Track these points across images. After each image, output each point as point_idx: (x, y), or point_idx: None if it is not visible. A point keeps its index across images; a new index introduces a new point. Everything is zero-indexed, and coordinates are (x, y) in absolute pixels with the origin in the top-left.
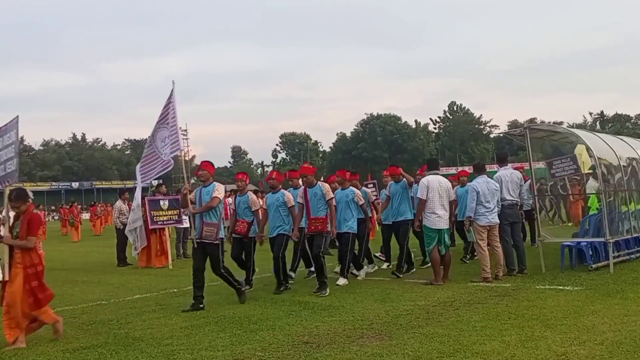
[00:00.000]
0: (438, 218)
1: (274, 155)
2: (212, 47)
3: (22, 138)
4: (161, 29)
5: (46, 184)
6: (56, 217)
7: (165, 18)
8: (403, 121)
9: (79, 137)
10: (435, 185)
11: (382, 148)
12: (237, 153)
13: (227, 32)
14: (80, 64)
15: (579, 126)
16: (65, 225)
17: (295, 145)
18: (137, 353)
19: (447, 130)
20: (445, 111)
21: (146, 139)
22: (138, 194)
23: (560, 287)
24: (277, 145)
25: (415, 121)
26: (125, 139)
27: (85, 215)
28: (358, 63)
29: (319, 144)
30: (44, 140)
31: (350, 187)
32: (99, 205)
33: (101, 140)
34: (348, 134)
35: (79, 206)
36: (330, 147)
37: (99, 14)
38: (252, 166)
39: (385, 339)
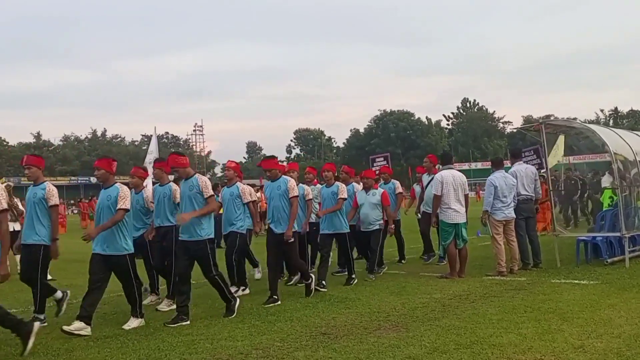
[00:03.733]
0: (455, 212)
1: (289, 151)
2: (227, 44)
3: (39, 133)
4: (177, 26)
5: (65, 178)
6: (75, 211)
7: (181, 16)
8: (416, 117)
9: (99, 133)
10: (449, 180)
11: (395, 144)
12: (252, 149)
13: (242, 30)
14: (98, 62)
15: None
16: (84, 218)
17: (310, 141)
18: (158, 342)
19: (460, 127)
20: (458, 107)
21: (163, 135)
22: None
23: (576, 281)
24: (291, 141)
25: (427, 117)
26: (143, 135)
27: None
28: (371, 60)
29: (332, 140)
30: (65, 135)
31: (353, 184)
32: None
33: (120, 136)
34: (361, 130)
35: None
36: (344, 143)
37: (115, 12)
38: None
39: (402, 330)
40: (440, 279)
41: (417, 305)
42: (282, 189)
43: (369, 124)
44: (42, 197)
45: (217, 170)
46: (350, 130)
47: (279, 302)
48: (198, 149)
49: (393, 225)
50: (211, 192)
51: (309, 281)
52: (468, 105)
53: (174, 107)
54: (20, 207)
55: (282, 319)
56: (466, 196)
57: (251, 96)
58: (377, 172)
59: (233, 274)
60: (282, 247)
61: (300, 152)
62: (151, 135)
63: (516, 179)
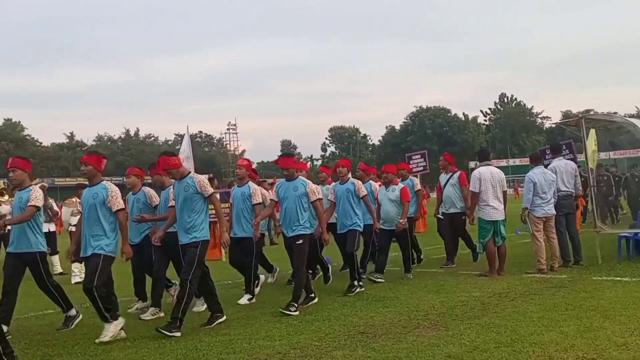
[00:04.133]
0: (493, 210)
1: (323, 149)
2: (262, 41)
3: (72, 133)
4: (210, 24)
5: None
6: None
7: (213, 13)
8: (452, 114)
9: (132, 132)
10: (487, 177)
11: (431, 141)
12: (287, 147)
13: (276, 27)
14: (130, 61)
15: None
16: None
17: (345, 138)
18: (195, 342)
19: (497, 122)
20: (495, 103)
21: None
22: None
23: (618, 279)
24: (326, 139)
25: (463, 113)
26: (176, 134)
27: None
28: (405, 56)
29: (368, 138)
30: (98, 135)
31: (370, 181)
32: None
33: (153, 136)
34: (397, 127)
35: None
36: (379, 141)
37: (148, 11)
38: (301, 160)
39: (441, 329)
40: (479, 277)
41: (456, 303)
42: (300, 191)
43: (405, 120)
44: (27, 200)
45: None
46: (386, 127)
47: (316, 299)
48: (232, 148)
49: (405, 221)
50: (211, 190)
51: (304, 298)
52: (505, 100)
53: (207, 106)
54: (55, 207)
55: (319, 318)
56: (504, 193)
57: (286, 94)
58: (413, 169)
59: (252, 282)
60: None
61: (335, 149)
62: (184, 134)
63: (556, 174)
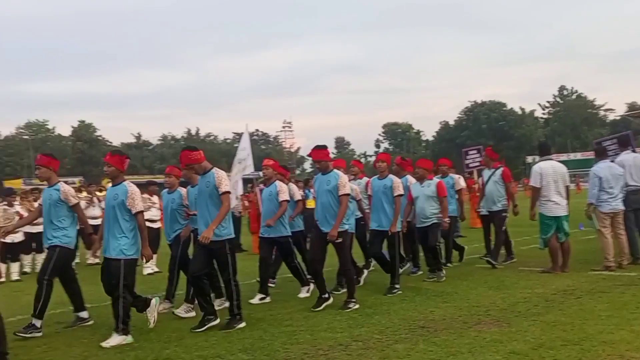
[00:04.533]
0: (555, 205)
1: (377, 145)
2: (314, 40)
3: (139, 133)
4: (263, 24)
5: (163, 176)
6: None
7: (266, 14)
8: (509, 108)
9: (193, 132)
10: (549, 172)
11: (487, 136)
12: (341, 144)
13: (328, 25)
14: (191, 63)
15: None
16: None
17: (398, 134)
18: (260, 332)
19: (557, 116)
20: (554, 96)
21: (253, 132)
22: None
23: None
24: (379, 135)
25: (520, 107)
26: (234, 133)
27: None
28: (460, 49)
29: (421, 133)
30: (163, 134)
31: (407, 176)
32: None
33: (212, 135)
34: (451, 123)
35: None
36: (433, 136)
37: (207, 13)
38: (355, 156)
39: (503, 325)
40: (541, 274)
41: (518, 300)
42: (332, 184)
43: (459, 115)
44: (58, 198)
45: (307, 165)
46: (440, 123)
47: (331, 300)
48: (287, 145)
49: (448, 220)
50: (227, 188)
51: (326, 296)
52: (565, 92)
53: (263, 104)
54: None
55: (379, 312)
56: (567, 188)
57: (339, 91)
58: (469, 164)
59: (302, 275)
60: (326, 245)
61: (389, 146)
62: (242, 133)
63: (624, 168)
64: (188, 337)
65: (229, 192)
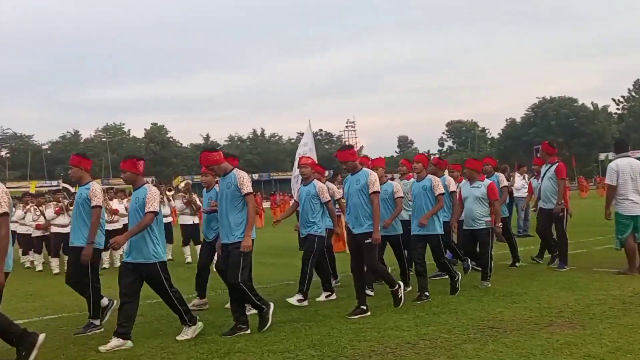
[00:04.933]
0: (632, 204)
1: (441, 143)
2: (376, 39)
3: (207, 134)
4: (326, 25)
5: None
6: None
7: (329, 14)
8: (580, 103)
9: (258, 132)
10: (626, 169)
11: (556, 133)
12: (404, 143)
13: (390, 23)
14: (257, 64)
15: None
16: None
17: (462, 133)
18: (328, 329)
19: (632, 111)
20: (629, 90)
21: (317, 132)
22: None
23: None
24: (443, 133)
25: (592, 103)
26: (298, 133)
27: (266, 204)
28: (526, 44)
29: (486, 131)
30: (230, 135)
31: (444, 176)
32: (278, 194)
33: (277, 135)
34: (518, 120)
35: (261, 196)
36: (499, 134)
37: (268, 15)
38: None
39: (577, 327)
40: (617, 275)
41: (592, 301)
42: (361, 183)
43: (527, 112)
44: (86, 197)
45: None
46: (506, 120)
47: (369, 313)
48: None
49: (501, 224)
50: (249, 189)
51: (396, 288)
52: None
53: (327, 104)
54: (199, 202)
55: (446, 311)
56: None
57: (402, 89)
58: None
59: (306, 282)
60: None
61: (453, 144)
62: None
63: None
64: (257, 332)
65: (252, 193)
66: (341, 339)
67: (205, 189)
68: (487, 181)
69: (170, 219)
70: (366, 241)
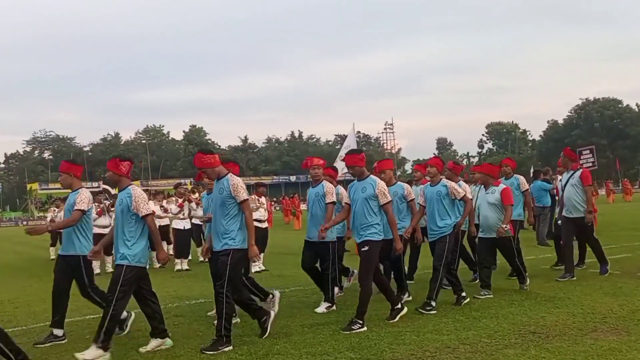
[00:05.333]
0: None
1: (480, 145)
2: (415, 41)
3: (246, 137)
4: (365, 26)
5: (268, 177)
6: (278, 208)
7: (369, 16)
8: (624, 105)
9: (296, 134)
10: None
11: (599, 135)
12: (443, 145)
13: (429, 24)
14: (296, 66)
15: None
16: (287, 214)
17: (502, 135)
18: (367, 332)
19: None
20: None
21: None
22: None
23: None
24: (483, 135)
25: (637, 104)
26: (336, 135)
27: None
28: (570, 44)
29: (527, 133)
30: (268, 137)
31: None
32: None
33: (314, 137)
34: (560, 122)
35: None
36: (540, 136)
37: (306, 18)
38: (457, 157)
39: (622, 334)
40: None
41: (637, 307)
42: (367, 192)
43: (569, 114)
44: (74, 202)
45: (407, 167)
46: (548, 122)
47: (404, 311)
48: (389, 147)
49: (505, 226)
50: (245, 196)
51: (364, 314)
52: None
53: (365, 106)
54: None
55: (486, 315)
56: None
57: (441, 90)
58: (583, 165)
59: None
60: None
61: (493, 146)
62: (344, 135)
63: None
64: (295, 334)
65: (247, 200)
66: (380, 342)
67: (206, 192)
68: (502, 185)
69: None
70: (362, 249)
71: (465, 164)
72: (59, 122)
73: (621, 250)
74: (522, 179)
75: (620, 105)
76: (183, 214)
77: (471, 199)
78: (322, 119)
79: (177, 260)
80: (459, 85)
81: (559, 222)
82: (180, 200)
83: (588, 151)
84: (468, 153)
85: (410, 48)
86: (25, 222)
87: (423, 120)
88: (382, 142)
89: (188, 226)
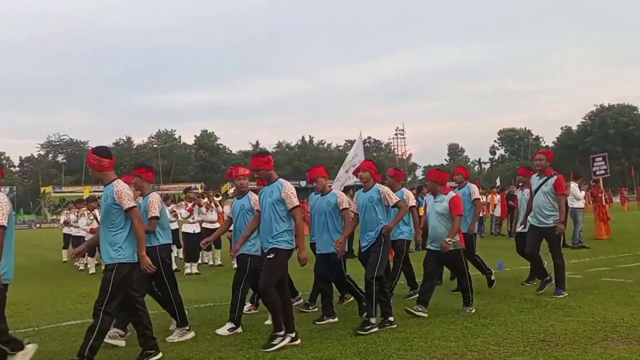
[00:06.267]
0: None
1: (492, 152)
2: (427, 46)
3: (257, 142)
4: (378, 31)
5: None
6: None
7: (382, 20)
8: (639, 111)
9: (307, 139)
10: None
11: (614, 141)
12: (454, 150)
13: (442, 30)
14: (307, 72)
15: None
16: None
17: (515, 141)
18: (374, 337)
19: None
20: None
21: (365, 139)
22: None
23: None
24: (495, 141)
25: None
26: (347, 140)
27: None
28: (585, 49)
29: (540, 139)
30: (278, 142)
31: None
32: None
33: (325, 142)
34: (574, 128)
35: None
36: (553, 142)
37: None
38: (468, 163)
39: (632, 343)
40: None
41: None
42: (274, 197)
43: (583, 120)
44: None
45: (419, 173)
46: (561, 128)
47: (286, 340)
48: (399, 152)
49: (450, 240)
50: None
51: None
52: None
53: (376, 111)
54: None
55: (495, 322)
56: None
57: (453, 96)
58: (596, 172)
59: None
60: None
61: (505, 152)
62: (354, 140)
63: None
64: (303, 339)
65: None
66: (387, 348)
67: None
68: (452, 193)
69: (218, 225)
70: (267, 257)
71: (476, 169)
72: (72, 126)
73: (635, 259)
74: (473, 187)
75: (635, 112)
76: (193, 218)
77: (411, 205)
78: (333, 124)
79: (187, 264)
80: (471, 91)
81: (521, 230)
82: (190, 205)
83: (601, 158)
84: (480, 159)
85: (422, 53)
86: (38, 225)
87: (435, 126)
88: (392, 148)
89: (198, 230)
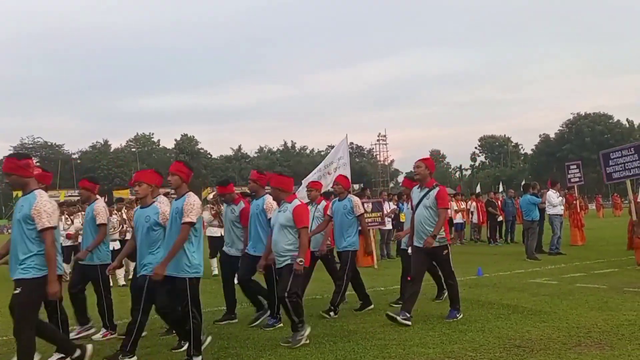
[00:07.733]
0: None
1: (473, 158)
2: (411, 53)
3: (239, 146)
4: (360, 37)
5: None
6: None
7: (365, 28)
8: (615, 120)
9: (289, 144)
10: None
11: (590, 149)
12: (436, 157)
13: (426, 38)
14: (290, 77)
15: None
16: None
17: (495, 148)
18: (352, 345)
19: None
20: None
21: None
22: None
23: None
24: (475, 148)
25: (628, 120)
26: (329, 145)
27: None
28: (564, 59)
29: (519, 147)
30: (260, 147)
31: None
32: None
33: (307, 147)
34: (552, 135)
35: None
36: (532, 150)
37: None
38: (450, 170)
39: (605, 348)
40: None
41: (622, 322)
42: (23, 212)
43: (561, 128)
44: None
45: (400, 179)
46: (540, 136)
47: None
48: (382, 158)
49: (301, 260)
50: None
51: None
52: None
53: (359, 118)
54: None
55: (473, 328)
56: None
57: (435, 103)
58: (571, 179)
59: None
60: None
61: (485, 159)
62: (335, 146)
63: None
64: (281, 347)
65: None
66: (365, 355)
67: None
68: (296, 201)
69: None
70: (14, 292)
71: (457, 176)
72: (47, 128)
73: (609, 265)
74: (356, 200)
75: (611, 121)
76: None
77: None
78: (316, 129)
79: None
80: (453, 98)
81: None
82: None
83: (575, 166)
84: (461, 166)
85: (405, 60)
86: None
87: (417, 132)
88: (375, 154)
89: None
